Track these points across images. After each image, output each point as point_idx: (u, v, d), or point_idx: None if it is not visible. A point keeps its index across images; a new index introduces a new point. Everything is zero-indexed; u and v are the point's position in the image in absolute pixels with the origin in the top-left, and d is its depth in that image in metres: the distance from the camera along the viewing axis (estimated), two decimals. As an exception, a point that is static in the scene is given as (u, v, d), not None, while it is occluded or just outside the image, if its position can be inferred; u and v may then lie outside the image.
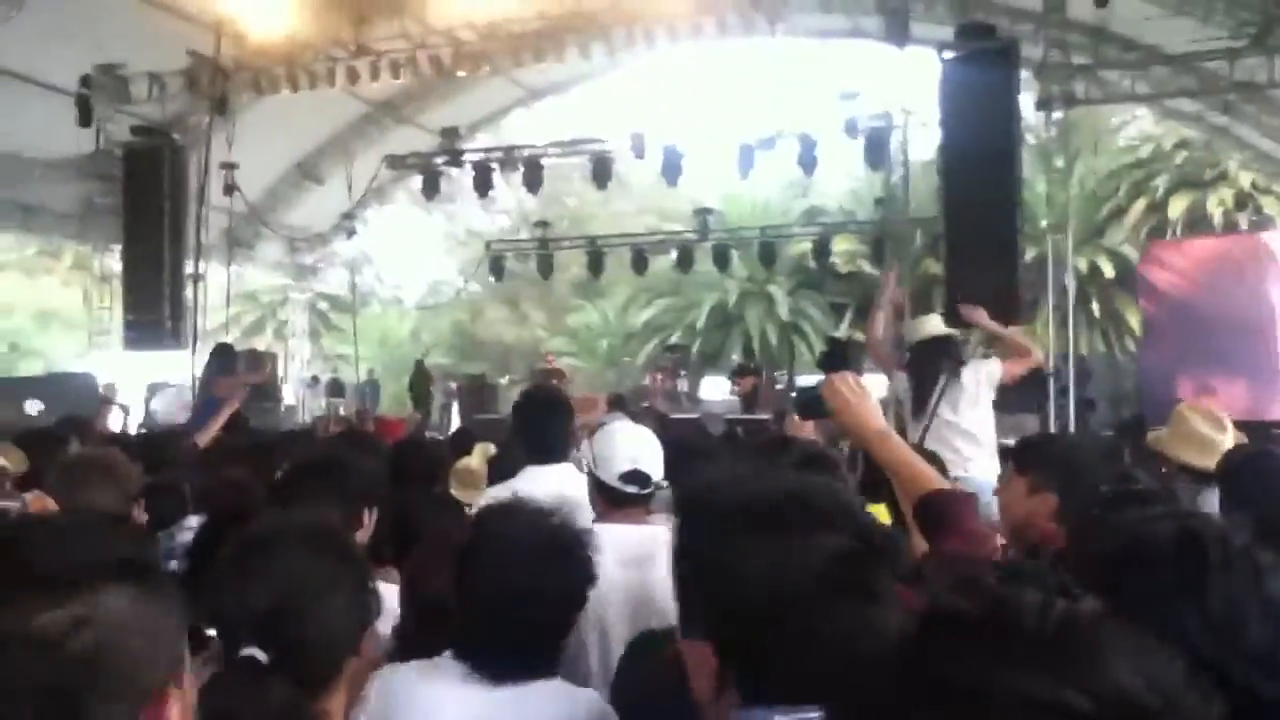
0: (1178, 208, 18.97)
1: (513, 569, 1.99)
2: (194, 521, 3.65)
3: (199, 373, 15.45)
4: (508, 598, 1.97)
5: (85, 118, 13.22)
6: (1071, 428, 13.65)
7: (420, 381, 19.31)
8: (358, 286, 22.53)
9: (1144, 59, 11.46)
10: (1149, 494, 2.64)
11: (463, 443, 6.05)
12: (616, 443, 3.11)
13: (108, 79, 13.13)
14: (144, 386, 15.94)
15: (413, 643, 2.24)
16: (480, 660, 1.97)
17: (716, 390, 18.25)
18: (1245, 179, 17.85)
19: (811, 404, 2.71)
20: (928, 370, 5.91)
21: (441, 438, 9.95)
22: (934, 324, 6.20)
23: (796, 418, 5.06)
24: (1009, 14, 10.55)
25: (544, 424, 3.88)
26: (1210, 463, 3.87)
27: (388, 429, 9.66)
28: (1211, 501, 3.84)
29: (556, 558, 2.04)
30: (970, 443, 5.67)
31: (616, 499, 3.03)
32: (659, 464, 3.10)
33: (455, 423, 16.26)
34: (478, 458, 5.07)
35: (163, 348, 15.22)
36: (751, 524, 1.24)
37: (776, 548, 1.21)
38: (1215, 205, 18.54)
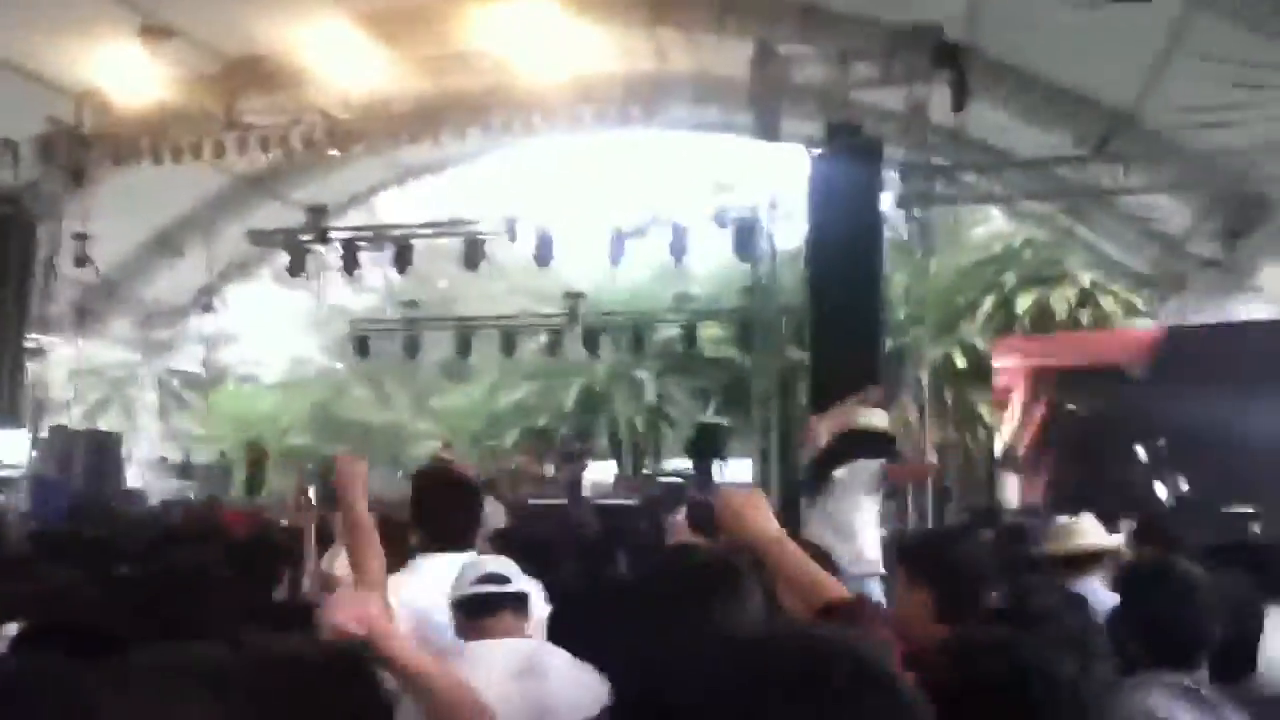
0: (1025, 304, 19.97)
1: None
2: (11, 629, 3.30)
3: (36, 452, 14.71)
4: None
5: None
6: (929, 516, 14.11)
7: (255, 464, 18.34)
8: (214, 363, 21.77)
9: (998, 163, 12.12)
10: (1037, 613, 2.64)
11: (328, 535, 5.68)
12: (461, 570, 3.06)
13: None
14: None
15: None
16: None
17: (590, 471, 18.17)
18: (1086, 278, 18.92)
19: (703, 517, 2.69)
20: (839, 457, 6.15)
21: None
22: (877, 418, 6.47)
23: (681, 520, 5.11)
24: (875, 114, 11.03)
25: (446, 507, 3.70)
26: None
27: (231, 520, 9.15)
28: (1092, 588, 4.03)
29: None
30: (840, 536, 5.83)
31: (476, 607, 2.94)
32: (513, 570, 3.05)
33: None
34: (341, 565, 4.36)
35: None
36: None
37: None
38: (1059, 302, 19.58)
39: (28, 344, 14.66)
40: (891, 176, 11.92)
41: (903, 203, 12.38)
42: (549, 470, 16.41)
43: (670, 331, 18.91)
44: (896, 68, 9.83)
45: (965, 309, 20.71)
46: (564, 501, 14.13)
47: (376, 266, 17.09)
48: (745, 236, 14.47)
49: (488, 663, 2.76)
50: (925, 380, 16.60)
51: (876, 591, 5.53)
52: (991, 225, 20.43)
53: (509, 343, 17.87)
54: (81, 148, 12.67)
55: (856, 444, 6.27)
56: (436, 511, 3.68)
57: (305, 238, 15.33)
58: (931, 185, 11.96)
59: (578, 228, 15.58)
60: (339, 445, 23.29)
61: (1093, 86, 10.68)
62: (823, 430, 6.52)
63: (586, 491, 16.12)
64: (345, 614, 2.08)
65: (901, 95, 10.21)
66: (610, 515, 12.18)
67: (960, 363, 20.61)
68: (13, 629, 3.18)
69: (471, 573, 2.98)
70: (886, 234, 12.32)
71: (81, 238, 14.09)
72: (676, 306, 18.64)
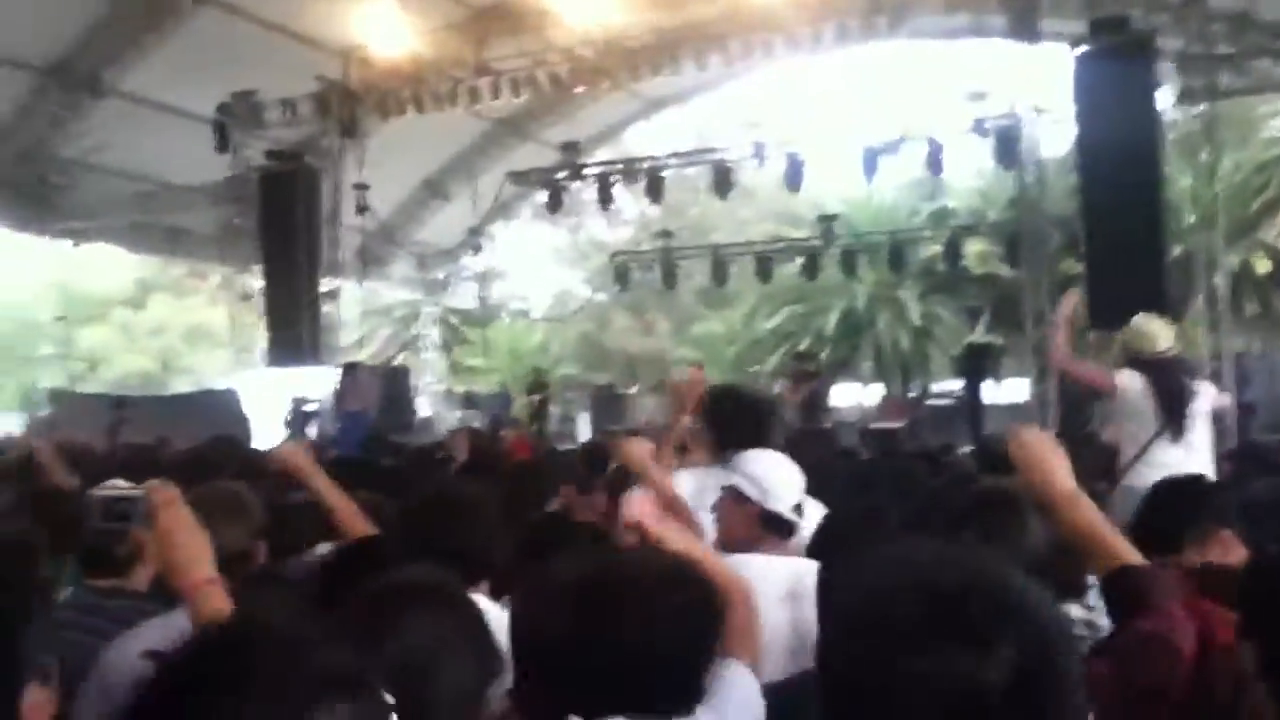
0: (1336, 199, 17.91)
1: (634, 611, 1.84)
2: (325, 548, 3.55)
3: (337, 387, 15.96)
4: (623, 644, 1.82)
5: (223, 143, 13.77)
6: (1233, 434, 12.93)
7: (538, 393, 18.92)
8: (487, 300, 22.88)
9: (1293, 45, 10.80)
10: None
11: (596, 458, 5.83)
12: (789, 472, 3.09)
13: (243, 106, 13.62)
14: (288, 401, 16.36)
15: (527, 700, 2.14)
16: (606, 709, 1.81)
17: (847, 398, 17.94)
18: None
19: (996, 458, 2.56)
20: (1178, 388, 5.41)
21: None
22: (1167, 334, 5.69)
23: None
24: (1144, 4, 10.04)
25: (738, 418, 3.91)
26: None
27: (515, 447, 9.70)
28: None
29: (681, 598, 1.91)
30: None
31: (781, 529, 2.98)
32: (802, 493, 3.08)
33: (583, 435, 16.26)
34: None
35: (303, 363, 15.66)
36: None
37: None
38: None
39: (321, 288, 15.85)
40: (1168, 69, 10.87)
41: (1183, 98, 11.28)
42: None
43: (932, 249, 18.21)
44: (1168, -50, 8.87)
45: (1265, 209, 18.77)
46: (827, 427, 13.97)
47: (631, 198, 17.36)
48: (1007, 145, 13.62)
49: (762, 578, 2.74)
50: (1222, 288, 15.23)
51: None
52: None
53: (765, 268, 17.76)
54: (351, 102, 13.47)
55: (1165, 371, 5.53)
56: (729, 422, 3.90)
57: (560, 175, 15.75)
58: (1215, 76, 10.79)
59: (827, 147, 15.19)
60: (605, 374, 24.04)
61: None
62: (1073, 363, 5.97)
63: (853, 417, 15.88)
64: (637, 509, 2.29)
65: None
66: (876, 439, 12.02)
67: (1262, 267, 18.79)
68: (324, 548, 3.52)
69: (785, 493, 3.01)
70: (1167, 133, 11.33)
71: (361, 187, 15.03)
72: (936, 223, 17.90)
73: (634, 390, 20.58)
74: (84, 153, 13.98)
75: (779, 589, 2.76)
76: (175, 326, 32.65)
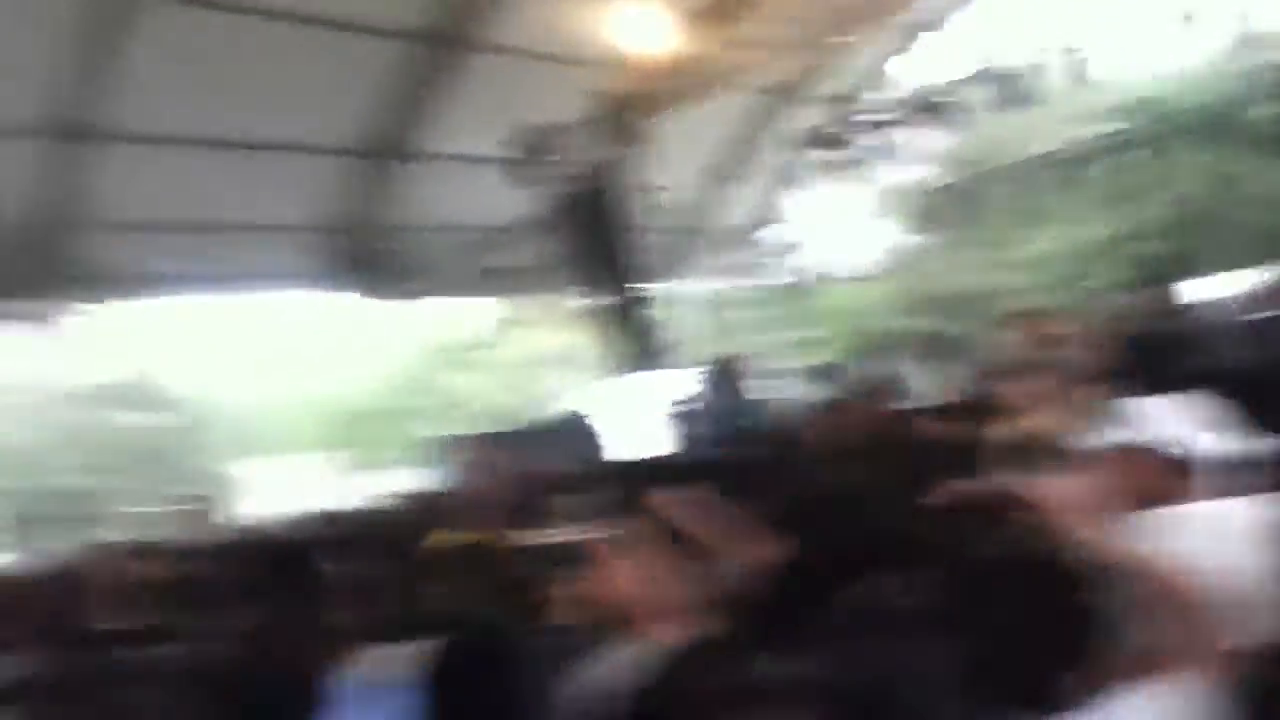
0: None
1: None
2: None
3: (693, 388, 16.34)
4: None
5: (520, 178, 14.63)
6: None
7: (870, 355, 18.54)
8: (798, 270, 22.91)
9: None
10: None
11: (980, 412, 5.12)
12: (1181, 409, 2.91)
13: (527, 138, 14.43)
14: (640, 411, 16.86)
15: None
16: None
17: (1205, 293, 16.42)
18: None
19: None
20: None
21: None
22: None
23: None
24: None
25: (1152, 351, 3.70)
26: None
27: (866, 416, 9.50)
28: None
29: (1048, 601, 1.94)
30: None
31: (1186, 474, 2.78)
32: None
33: (921, 389, 15.78)
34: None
35: (646, 370, 16.13)
36: None
37: None
38: None
39: (641, 294, 16.47)
40: None
41: None
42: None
43: (1262, 111, 16.38)
44: None
45: None
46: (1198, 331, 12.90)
47: (919, 134, 16.86)
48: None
49: (1203, 528, 2.52)
50: None
51: None
52: None
53: (1077, 173, 16.73)
54: (622, 111, 14.01)
55: None
56: (1143, 356, 3.77)
57: (839, 129, 15.61)
58: None
59: (1118, 29, 14.14)
60: (933, 320, 23.32)
61: None
62: None
63: (1221, 313, 14.63)
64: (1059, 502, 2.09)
65: None
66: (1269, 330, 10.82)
67: None
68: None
69: (1184, 434, 2.84)
70: None
71: (656, 189, 15.52)
72: (1261, 81, 16.07)
73: (970, 332, 19.83)
74: (409, 216, 15.42)
75: (1229, 535, 2.49)
76: (529, 358, 34.95)
